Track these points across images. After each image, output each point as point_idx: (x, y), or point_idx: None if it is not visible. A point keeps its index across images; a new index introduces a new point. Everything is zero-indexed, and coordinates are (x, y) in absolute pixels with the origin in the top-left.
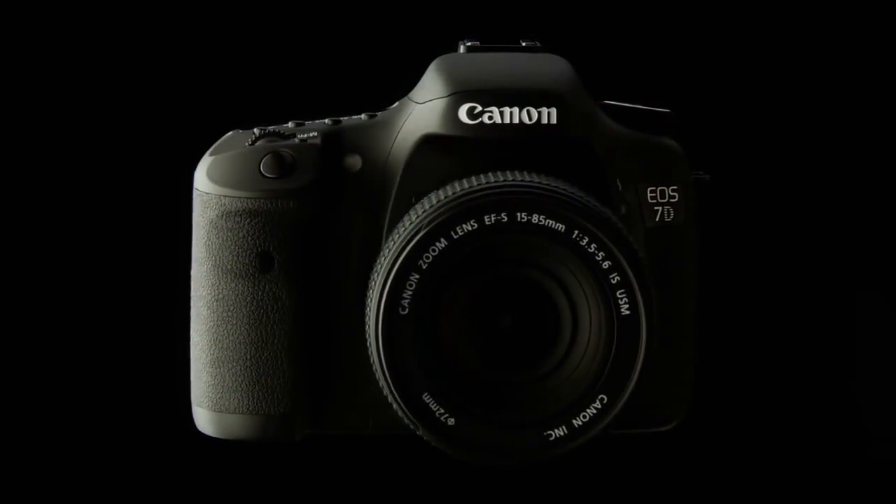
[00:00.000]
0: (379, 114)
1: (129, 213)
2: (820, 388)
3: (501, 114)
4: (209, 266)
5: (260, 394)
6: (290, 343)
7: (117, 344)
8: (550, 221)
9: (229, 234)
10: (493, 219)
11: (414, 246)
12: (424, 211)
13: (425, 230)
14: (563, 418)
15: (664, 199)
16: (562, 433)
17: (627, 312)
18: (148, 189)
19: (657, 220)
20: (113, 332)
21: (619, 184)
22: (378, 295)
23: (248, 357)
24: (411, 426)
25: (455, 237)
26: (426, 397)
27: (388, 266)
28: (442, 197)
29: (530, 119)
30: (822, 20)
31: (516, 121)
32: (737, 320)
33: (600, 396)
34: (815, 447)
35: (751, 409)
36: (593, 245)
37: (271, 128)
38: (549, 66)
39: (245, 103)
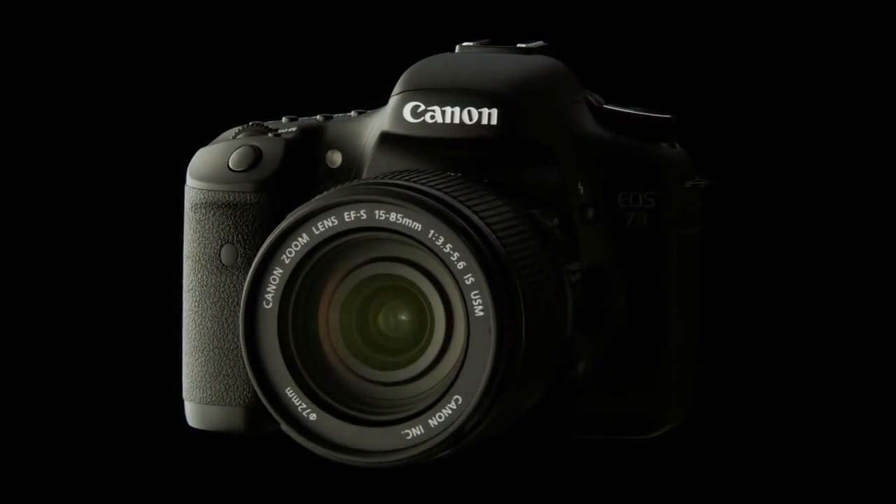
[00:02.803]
0: (367, 111)
1: (139, 210)
2: (820, 390)
3: (443, 113)
4: (184, 257)
5: (223, 385)
6: None
7: (122, 340)
8: (407, 220)
9: (197, 225)
10: (352, 216)
11: (275, 240)
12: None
13: (284, 225)
14: (421, 418)
15: (637, 204)
16: (418, 433)
17: (481, 314)
18: (156, 185)
19: (629, 224)
20: (118, 328)
21: (580, 187)
22: (245, 288)
23: (212, 348)
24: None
25: (316, 233)
26: (289, 391)
27: (255, 260)
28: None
29: (471, 119)
30: (823, 22)
31: (457, 121)
32: (738, 323)
33: (455, 397)
34: (815, 452)
35: (751, 412)
36: (448, 245)
37: (266, 123)
38: (512, 67)
39: (271, 99)
